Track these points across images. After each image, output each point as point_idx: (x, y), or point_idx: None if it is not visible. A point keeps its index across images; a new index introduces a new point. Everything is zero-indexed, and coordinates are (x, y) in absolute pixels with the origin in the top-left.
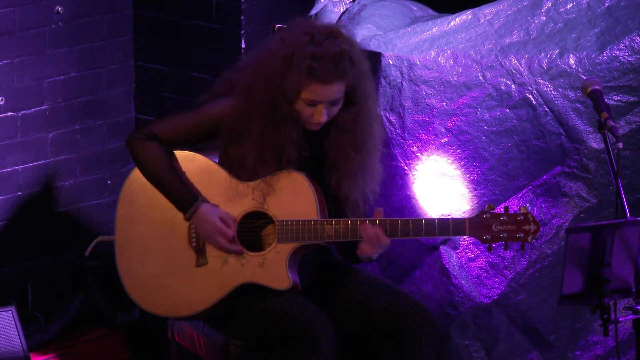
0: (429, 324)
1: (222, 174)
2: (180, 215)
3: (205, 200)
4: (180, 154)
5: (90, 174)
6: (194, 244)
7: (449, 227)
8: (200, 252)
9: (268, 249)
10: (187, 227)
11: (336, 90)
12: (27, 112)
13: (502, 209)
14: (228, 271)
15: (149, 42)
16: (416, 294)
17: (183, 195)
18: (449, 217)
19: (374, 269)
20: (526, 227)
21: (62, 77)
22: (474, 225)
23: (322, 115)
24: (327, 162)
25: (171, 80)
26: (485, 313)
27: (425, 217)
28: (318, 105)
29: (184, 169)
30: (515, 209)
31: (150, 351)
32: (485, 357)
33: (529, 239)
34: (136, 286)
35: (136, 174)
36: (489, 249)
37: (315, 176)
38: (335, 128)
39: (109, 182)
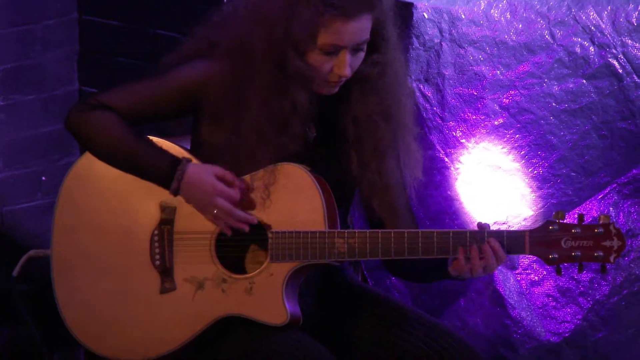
0: None
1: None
2: (140, 224)
3: (190, 160)
4: None
5: (18, 167)
6: (157, 262)
7: (503, 243)
8: (166, 273)
9: (258, 270)
10: (149, 239)
11: (363, 26)
12: None
13: (575, 219)
14: (204, 299)
15: None
16: (460, 329)
17: (159, 162)
18: (503, 229)
19: (403, 297)
20: (607, 244)
21: None
22: (537, 240)
23: (345, 66)
24: (347, 140)
25: (127, 41)
26: (554, 356)
27: (469, 227)
28: (341, 52)
29: None
30: (594, 215)
31: None
32: None
33: (612, 259)
34: (80, 319)
35: (80, 167)
36: (558, 271)
37: (323, 168)
38: (357, 88)
39: (43, 177)
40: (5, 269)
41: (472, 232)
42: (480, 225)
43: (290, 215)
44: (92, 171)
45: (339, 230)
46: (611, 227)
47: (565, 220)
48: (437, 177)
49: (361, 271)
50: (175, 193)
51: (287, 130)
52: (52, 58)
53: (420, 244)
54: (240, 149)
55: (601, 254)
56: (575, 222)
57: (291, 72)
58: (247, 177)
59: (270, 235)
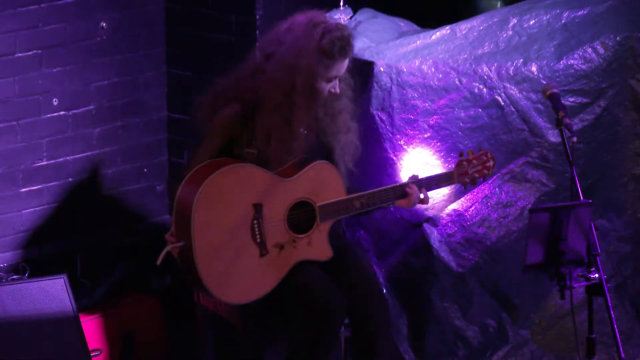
0: (375, 297)
1: (263, 173)
2: (244, 219)
3: None
4: (224, 165)
5: (129, 163)
6: (257, 240)
7: (442, 177)
8: (262, 244)
9: (312, 230)
10: (249, 226)
11: (348, 60)
12: (76, 111)
13: (465, 154)
14: (284, 255)
15: (179, 52)
16: (402, 264)
17: None
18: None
19: (367, 243)
20: (488, 164)
21: (105, 82)
22: (460, 173)
23: (337, 86)
24: (327, 134)
25: (198, 85)
26: (461, 280)
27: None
28: (336, 79)
29: (233, 180)
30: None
31: (180, 312)
32: (461, 317)
33: (491, 172)
34: (219, 285)
35: (212, 183)
36: (465, 187)
37: (313, 153)
38: (333, 96)
39: (145, 169)
40: (121, 227)
41: (416, 181)
42: (412, 177)
43: (327, 193)
44: (221, 187)
45: (354, 195)
46: (488, 153)
47: (466, 157)
48: (389, 170)
49: (342, 227)
50: None
51: (297, 136)
52: (150, 96)
53: (393, 195)
54: (267, 156)
55: (486, 171)
56: (468, 156)
57: (317, 95)
58: (296, 176)
59: (317, 208)
